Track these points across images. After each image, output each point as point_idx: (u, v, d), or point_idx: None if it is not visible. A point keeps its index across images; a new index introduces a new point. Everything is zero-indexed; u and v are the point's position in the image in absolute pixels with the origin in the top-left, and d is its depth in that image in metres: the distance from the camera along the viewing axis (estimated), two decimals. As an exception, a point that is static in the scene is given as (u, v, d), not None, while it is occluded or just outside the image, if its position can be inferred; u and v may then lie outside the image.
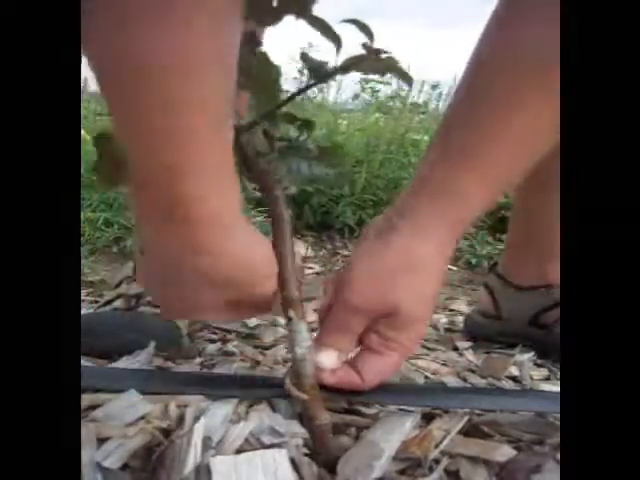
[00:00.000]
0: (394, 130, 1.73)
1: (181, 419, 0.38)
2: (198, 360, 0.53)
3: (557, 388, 0.52)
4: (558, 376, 0.57)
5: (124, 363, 0.50)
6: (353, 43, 0.36)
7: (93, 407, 0.39)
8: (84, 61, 0.27)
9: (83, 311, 0.63)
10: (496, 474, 0.36)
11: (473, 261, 1.32)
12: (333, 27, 0.35)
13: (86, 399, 0.40)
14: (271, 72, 0.37)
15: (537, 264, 0.63)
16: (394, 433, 0.38)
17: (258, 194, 0.39)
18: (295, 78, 1.94)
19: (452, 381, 0.52)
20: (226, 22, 0.28)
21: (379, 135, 1.69)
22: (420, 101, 2.24)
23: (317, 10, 0.35)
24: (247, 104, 0.38)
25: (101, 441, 0.35)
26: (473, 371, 0.55)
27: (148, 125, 0.27)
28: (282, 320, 0.41)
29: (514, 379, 0.55)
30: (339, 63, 0.36)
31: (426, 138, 1.76)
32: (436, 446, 0.38)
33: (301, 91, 0.40)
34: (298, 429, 0.37)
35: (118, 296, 0.60)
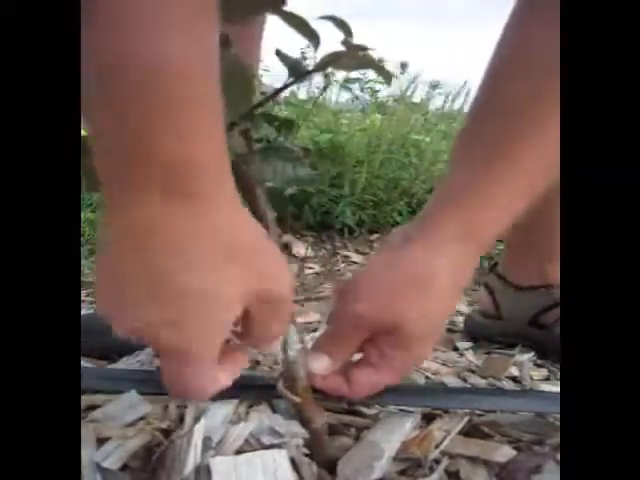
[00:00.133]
0: (395, 130, 1.73)
1: (181, 419, 0.38)
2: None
3: (557, 388, 0.52)
4: (558, 376, 0.57)
5: (124, 364, 0.50)
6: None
7: (93, 407, 0.39)
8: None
9: (83, 311, 0.63)
10: (496, 474, 0.36)
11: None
12: (310, 24, 0.34)
13: (86, 399, 0.40)
14: (244, 72, 0.36)
15: (537, 264, 0.63)
16: (394, 433, 0.38)
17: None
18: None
19: (452, 381, 0.52)
20: (206, 20, 0.27)
21: (380, 135, 1.69)
22: (419, 101, 2.24)
23: (317, 10, 0.34)
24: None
25: (101, 442, 0.35)
26: (473, 371, 0.55)
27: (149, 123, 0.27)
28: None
29: (514, 379, 0.55)
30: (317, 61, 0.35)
31: (427, 139, 1.76)
32: (436, 446, 0.38)
33: (279, 90, 0.39)
34: (298, 429, 0.37)
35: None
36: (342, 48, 0.36)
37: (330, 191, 1.52)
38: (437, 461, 0.37)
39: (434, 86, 2.28)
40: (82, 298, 0.82)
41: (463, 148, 0.41)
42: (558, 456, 0.37)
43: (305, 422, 0.37)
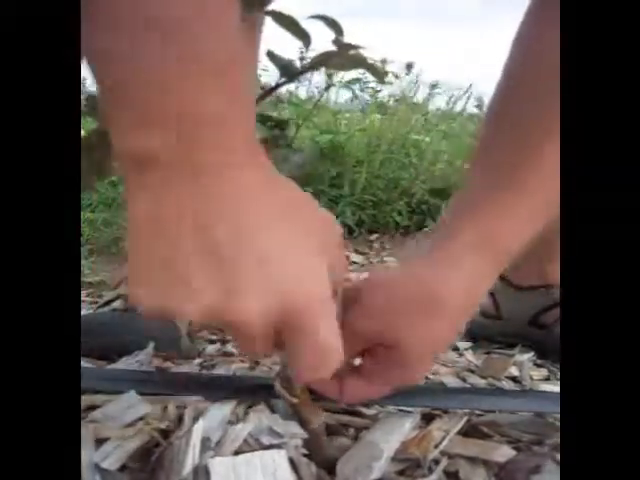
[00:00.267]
0: (395, 130, 1.73)
1: (180, 420, 0.38)
2: (197, 361, 0.53)
3: (557, 388, 0.52)
4: (558, 376, 0.57)
5: (123, 364, 0.50)
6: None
7: (92, 408, 0.39)
8: (84, 61, 0.26)
9: (83, 312, 0.63)
10: (495, 474, 0.36)
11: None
12: (300, 23, 0.34)
13: (85, 400, 0.40)
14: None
15: (537, 264, 0.63)
16: (393, 434, 0.38)
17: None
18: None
19: (452, 381, 0.52)
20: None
21: (380, 135, 1.69)
22: (419, 100, 2.24)
23: (317, 10, 0.34)
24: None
25: (100, 442, 0.35)
26: (473, 371, 0.55)
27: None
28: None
29: (514, 379, 0.54)
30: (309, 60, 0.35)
31: (427, 139, 1.76)
32: (435, 446, 0.38)
33: (271, 90, 0.39)
34: (297, 430, 0.37)
35: (118, 297, 0.60)
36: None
37: (330, 191, 1.53)
38: (436, 461, 0.37)
39: (433, 86, 2.28)
40: (82, 298, 0.82)
41: (483, 155, 0.40)
42: (557, 456, 0.37)
43: (303, 423, 0.37)
